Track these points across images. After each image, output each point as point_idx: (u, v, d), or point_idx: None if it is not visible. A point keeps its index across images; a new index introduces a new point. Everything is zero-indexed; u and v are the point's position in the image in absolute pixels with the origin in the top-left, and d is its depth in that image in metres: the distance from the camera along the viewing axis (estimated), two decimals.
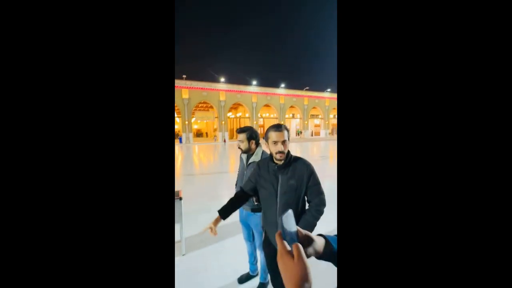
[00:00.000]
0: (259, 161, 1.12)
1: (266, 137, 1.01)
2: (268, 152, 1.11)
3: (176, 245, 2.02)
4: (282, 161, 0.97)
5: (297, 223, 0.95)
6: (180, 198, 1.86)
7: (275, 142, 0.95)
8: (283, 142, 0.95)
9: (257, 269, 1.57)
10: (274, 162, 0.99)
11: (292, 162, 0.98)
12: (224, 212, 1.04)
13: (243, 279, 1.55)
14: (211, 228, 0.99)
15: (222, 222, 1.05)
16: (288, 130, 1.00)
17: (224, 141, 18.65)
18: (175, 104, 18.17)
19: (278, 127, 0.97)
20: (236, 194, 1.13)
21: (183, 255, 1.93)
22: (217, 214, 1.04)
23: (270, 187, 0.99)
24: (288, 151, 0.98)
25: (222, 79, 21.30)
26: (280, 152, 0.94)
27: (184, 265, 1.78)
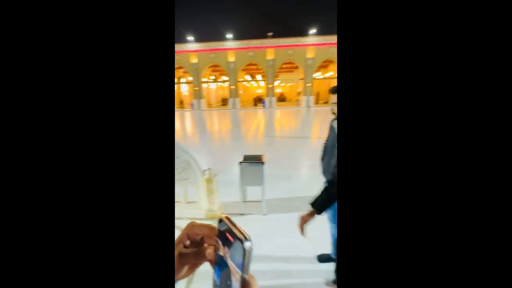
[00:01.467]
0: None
1: None
2: None
3: (257, 205, 2.32)
4: None
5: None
6: (263, 163, 2.01)
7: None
8: None
9: None
10: None
11: None
12: (320, 206, 0.89)
13: (323, 258, 1.53)
14: (301, 228, 0.91)
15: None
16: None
17: (309, 106, 17.48)
18: (261, 67, 18.40)
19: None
20: (331, 182, 0.93)
21: (264, 214, 2.16)
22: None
23: None
24: None
25: (313, 31, 18.39)
26: None
27: (264, 224, 2.03)
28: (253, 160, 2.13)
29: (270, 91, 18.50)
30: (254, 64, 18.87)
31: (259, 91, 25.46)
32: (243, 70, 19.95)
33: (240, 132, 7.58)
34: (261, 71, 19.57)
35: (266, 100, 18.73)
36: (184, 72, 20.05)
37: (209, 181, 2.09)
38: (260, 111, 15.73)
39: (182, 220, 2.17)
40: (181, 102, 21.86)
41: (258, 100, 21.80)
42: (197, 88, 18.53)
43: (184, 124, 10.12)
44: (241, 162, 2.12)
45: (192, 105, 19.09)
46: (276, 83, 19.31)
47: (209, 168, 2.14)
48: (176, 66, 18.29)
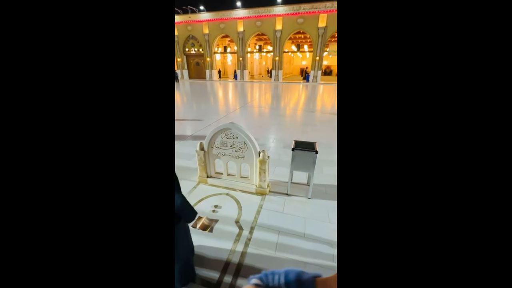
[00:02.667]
0: None
1: None
2: None
3: (304, 187, 2.48)
4: None
5: None
6: (316, 152, 2.08)
7: None
8: None
9: None
10: None
11: None
12: None
13: None
14: None
15: None
16: None
17: None
18: (310, 36, 16.73)
19: None
20: None
21: (309, 198, 2.31)
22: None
23: None
24: None
25: None
26: None
27: (309, 206, 2.20)
28: (306, 147, 2.20)
29: (316, 63, 16.99)
30: (303, 33, 17.25)
31: (304, 63, 23.69)
32: (290, 39, 18.53)
33: (279, 106, 7.44)
34: (309, 40, 17.83)
35: (311, 73, 17.42)
36: (230, 41, 19.76)
37: (262, 162, 2.30)
38: (301, 86, 14.87)
39: (235, 191, 2.49)
40: (224, 72, 22.06)
41: (303, 73, 20.48)
42: (241, 58, 18.28)
43: (227, 95, 10.38)
44: (293, 149, 2.23)
45: (235, 75, 19.18)
46: (324, 54, 17.46)
47: (263, 151, 2.33)
48: (222, 34, 18.07)
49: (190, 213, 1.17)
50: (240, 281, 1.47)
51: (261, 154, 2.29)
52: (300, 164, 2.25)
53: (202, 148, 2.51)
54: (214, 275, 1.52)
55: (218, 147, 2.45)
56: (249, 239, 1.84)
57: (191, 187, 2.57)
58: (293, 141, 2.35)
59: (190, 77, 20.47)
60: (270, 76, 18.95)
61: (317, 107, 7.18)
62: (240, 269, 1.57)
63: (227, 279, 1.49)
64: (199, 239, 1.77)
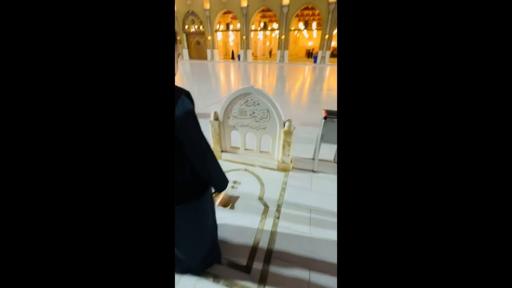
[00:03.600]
0: None
1: None
2: None
3: (331, 165, 2.31)
4: None
5: None
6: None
7: None
8: None
9: None
10: None
11: None
12: None
13: None
14: None
15: None
16: None
17: None
18: (319, 12, 15.74)
19: None
20: None
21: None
22: None
23: None
24: None
25: None
26: None
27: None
28: None
29: (324, 43, 16.15)
30: (311, 8, 16.23)
31: (310, 44, 22.69)
32: (297, 16, 17.51)
33: (286, 88, 7.11)
34: (318, 17, 16.82)
35: (319, 54, 16.62)
36: (233, 18, 18.72)
37: (287, 133, 2.03)
38: (307, 67, 14.29)
39: (254, 167, 2.25)
40: (226, 53, 21.27)
41: (309, 54, 19.68)
42: (245, 36, 17.38)
43: (229, 76, 9.98)
44: (325, 118, 1.95)
45: (238, 55, 18.40)
46: (334, 33, 16.51)
47: (289, 120, 2.04)
48: (224, 10, 17.04)
49: (222, 179, 0.89)
50: (272, 268, 1.24)
51: (286, 124, 2.01)
52: (332, 136, 1.98)
53: (216, 118, 2.23)
54: (241, 258, 1.30)
55: (235, 117, 2.18)
56: (278, 218, 1.62)
57: None
58: (323, 110, 2.06)
59: (191, 57, 19.66)
60: (270, 56, 18.11)
61: (325, 90, 6.81)
62: (271, 252, 1.34)
63: (257, 263, 1.27)
64: (220, 217, 1.60)
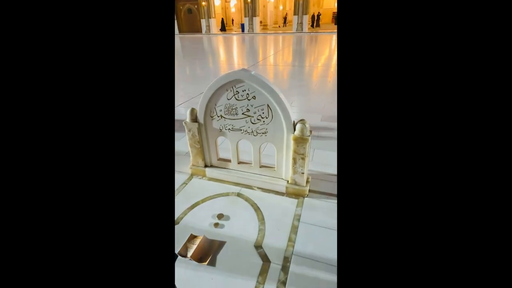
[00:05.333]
0: None
1: None
2: None
3: None
4: None
5: None
6: None
7: None
8: None
9: None
10: None
11: None
12: None
13: None
14: None
15: None
16: None
17: None
18: None
19: None
20: None
21: None
22: None
23: None
24: None
25: None
26: None
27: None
28: None
29: None
30: None
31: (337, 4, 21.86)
32: None
33: (303, 69, 6.73)
34: None
35: None
36: None
37: (299, 141, 1.70)
38: (335, 37, 13.68)
39: (252, 189, 1.96)
40: (226, 23, 21.00)
41: (336, 18, 18.98)
42: (250, 1, 16.94)
43: (231, 53, 9.71)
44: None
45: (241, 25, 18.03)
46: None
47: (301, 120, 1.71)
48: None
49: None
50: None
51: (298, 126, 1.69)
52: None
53: (195, 119, 1.95)
54: None
55: (221, 116, 1.88)
56: (284, 283, 1.30)
57: (180, 183, 2.14)
58: None
59: (181, 30, 19.53)
60: (285, 24, 17.57)
61: None
62: None
63: None
64: (190, 278, 1.33)
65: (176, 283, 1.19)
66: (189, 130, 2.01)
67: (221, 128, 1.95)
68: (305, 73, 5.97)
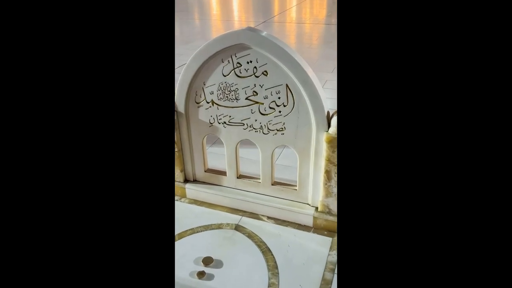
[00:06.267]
0: None
1: None
2: None
3: None
4: None
5: None
6: None
7: None
8: None
9: None
10: None
11: None
12: None
13: None
14: None
15: None
16: None
17: None
18: None
19: None
20: None
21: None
22: None
23: None
24: None
25: None
26: None
27: None
28: None
29: None
30: None
31: None
32: None
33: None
34: None
35: None
36: None
37: (333, 142, 1.33)
38: None
39: (258, 220, 1.67)
40: None
41: None
42: None
43: (230, 5, 9.65)
44: None
45: None
46: None
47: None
48: None
49: None
50: None
51: (333, 119, 1.43)
52: None
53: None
54: None
55: (212, 102, 1.62)
56: None
57: None
58: None
59: None
60: None
61: None
62: None
63: None
64: None
65: None
66: None
67: (212, 121, 1.66)
68: None
